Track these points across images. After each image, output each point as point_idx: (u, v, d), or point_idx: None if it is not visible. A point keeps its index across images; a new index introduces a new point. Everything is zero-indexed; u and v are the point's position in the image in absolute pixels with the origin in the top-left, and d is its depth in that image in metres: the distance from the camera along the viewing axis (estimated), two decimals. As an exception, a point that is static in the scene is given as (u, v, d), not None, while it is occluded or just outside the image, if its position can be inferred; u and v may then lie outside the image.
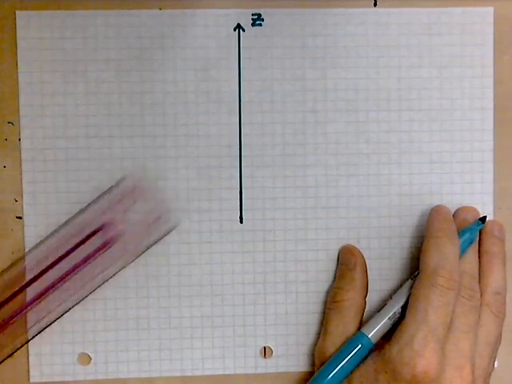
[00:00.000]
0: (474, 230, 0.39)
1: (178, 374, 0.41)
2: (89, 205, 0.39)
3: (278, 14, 0.40)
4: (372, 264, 0.41)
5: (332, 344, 0.39)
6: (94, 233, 0.39)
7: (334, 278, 0.41)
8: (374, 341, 0.37)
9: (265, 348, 0.41)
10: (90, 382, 0.40)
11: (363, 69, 0.40)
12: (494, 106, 0.41)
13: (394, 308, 0.38)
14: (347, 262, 0.40)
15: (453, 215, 0.40)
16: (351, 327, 0.39)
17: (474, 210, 0.41)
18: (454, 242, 0.38)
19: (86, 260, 0.39)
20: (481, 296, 0.38)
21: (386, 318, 0.38)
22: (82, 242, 0.39)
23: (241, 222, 0.40)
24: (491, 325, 0.38)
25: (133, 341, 0.40)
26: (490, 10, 0.41)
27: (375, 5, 0.40)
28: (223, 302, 0.40)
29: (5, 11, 0.39)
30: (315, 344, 0.40)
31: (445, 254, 0.37)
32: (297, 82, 0.40)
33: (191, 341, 0.40)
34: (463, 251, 0.38)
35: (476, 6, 0.41)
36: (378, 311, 0.39)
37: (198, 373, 0.41)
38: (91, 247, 0.39)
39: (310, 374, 0.40)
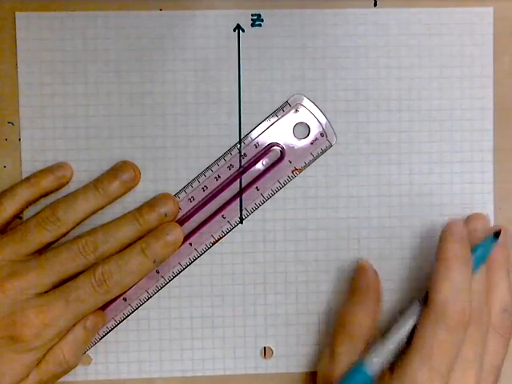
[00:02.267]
0: (487, 247, 0.37)
1: (178, 374, 0.41)
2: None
3: (278, 14, 0.40)
4: (372, 264, 0.41)
5: (339, 368, 0.37)
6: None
7: (334, 278, 0.41)
8: (377, 371, 0.36)
9: (265, 348, 0.41)
10: (91, 382, 0.40)
11: (363, 69, 0.40)
12: (494, 105, 0.41)
13: (400, 336, 0.36)
14: (359, 282, 0.39)
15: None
16: (359, 352, 0.37)
17: (484, 217, 0.39)
18: (467, 269, 0.35)
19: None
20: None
21: (391, 347, 0.36)
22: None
23: (241, 222, 0.40)
24: (498, 348, 0.36)
25: (133, 341, 0.40)
26: (490, 10, 0.41)
27: (375, 5, 0.40)
28: (223, 303, 0.41)
29: (5, 12, 0.39)
30: (315, 344, 0.40)
31: (456, 284, 0.34)
32: (296, 82, 0.40)
33: (191, 341, 0.41)
34: (474, 270, 0.36)
35: (476, 6, 0.41)
36: (383, 336, 0.36)
37: (199, 373, 0.41)
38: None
39: (311, 374, 0.40)
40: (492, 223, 0.41)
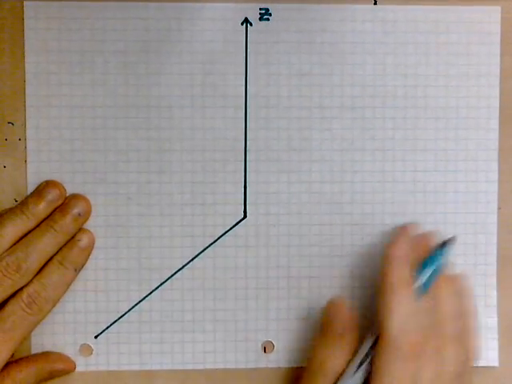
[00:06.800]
0: (438, 259, 0.37)
1: (179, 367, 0.41)
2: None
3: (286, 8, 0.40)
4: (375, 261, 0.41)
5: None
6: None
7: (337, 273, 0.41)
8: None
9: (266, 343, 0.41)
10: (91, 373, 0.40)
11: (370, 65, 0.40)
12: (500, 104, 0.41)
13: (359, 373, 0.36)
14: (334, 323, 0.38)
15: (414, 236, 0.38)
16: None
17: (434, 234, 0.39)
18: (410, 292, 0.35)
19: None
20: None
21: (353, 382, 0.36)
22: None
23: (245, 216, 0.40)
24: (459, 355, 0.36)
25: (134, 333, 0.40)
26: (497, 8, 0.41)
27: (375, 4, 0.40)
28: (225, 296, 0.40)
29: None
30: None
31: (405, 316, 0.35)
32: (303, 77, 0.40)
33: (193, 334, 0.40)
34: (427, 285, 0.36)
35: (483, 5, 0.41)
36: (345, 372, 0.36)
37: (200, 366, 0.41)
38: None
39: (311, 369, 0.40)
40: (495, 222, 0.41)
